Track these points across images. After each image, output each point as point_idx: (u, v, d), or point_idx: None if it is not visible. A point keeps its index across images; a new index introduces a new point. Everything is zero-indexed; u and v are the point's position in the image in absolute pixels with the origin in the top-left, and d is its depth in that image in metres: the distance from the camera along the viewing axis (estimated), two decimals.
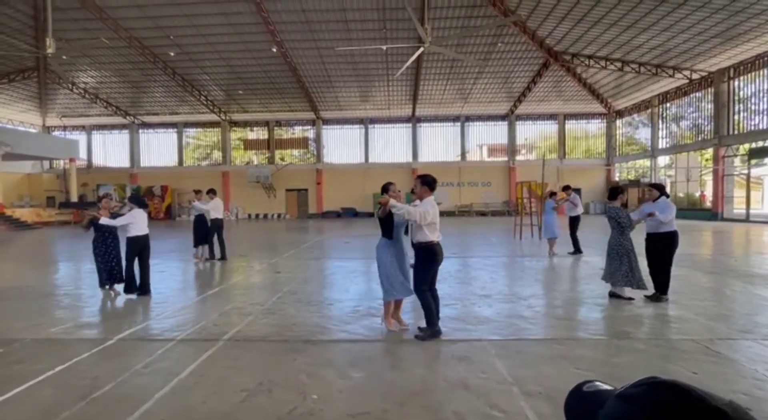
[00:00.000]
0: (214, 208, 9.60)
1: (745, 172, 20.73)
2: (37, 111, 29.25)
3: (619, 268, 5.46)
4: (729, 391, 2.95)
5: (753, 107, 19.58)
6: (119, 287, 6.34)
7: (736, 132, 20.10)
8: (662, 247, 5.52)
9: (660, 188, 5.77)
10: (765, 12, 15.36)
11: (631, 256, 5.42)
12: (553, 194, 10.44)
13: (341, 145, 31.19)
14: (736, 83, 20.14)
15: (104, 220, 6.13)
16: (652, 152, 25.66)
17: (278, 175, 29.71)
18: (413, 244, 4.25)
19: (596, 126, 30.41)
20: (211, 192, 9.93)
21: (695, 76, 21.31)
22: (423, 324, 4.35)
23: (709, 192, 22.30)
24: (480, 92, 26.96)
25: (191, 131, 32.27)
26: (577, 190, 10.34)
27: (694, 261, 8.53)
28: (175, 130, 31.54)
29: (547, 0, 17.90)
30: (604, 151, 29.96)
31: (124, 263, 6.30)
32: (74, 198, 27.00)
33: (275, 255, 10.61)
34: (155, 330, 4.68)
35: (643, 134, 27.63)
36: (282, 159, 31.58)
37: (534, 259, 9.29)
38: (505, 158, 30.24)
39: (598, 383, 0.57)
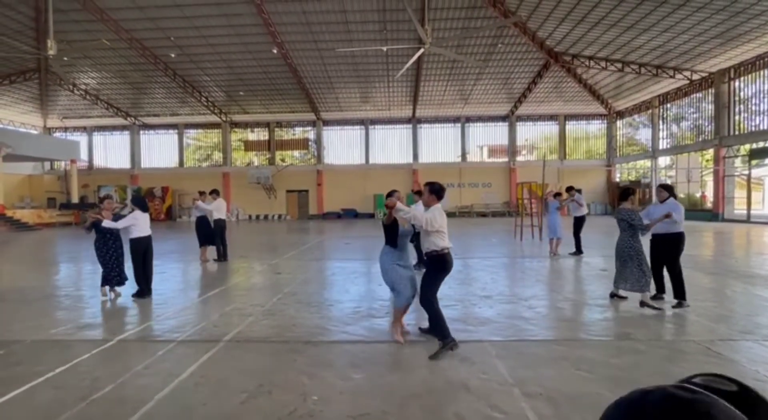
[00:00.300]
0: (217, 209, 9.64)
1: (746, 172, 20.72)
2: (38, 112, 29.30)
3: (631, 271, 5.31)
4: None
5: (754, 108, 19.56)
6: (120, 289, 6.33)
7: (736, 132, 20.08)
8: (669, 248, 5.48)
9: (669, 189, 5.73)
10: (765, 13, 15.36)
11: (641, 257, 5.33)
12: (557, 195, 10.44)
13: (342, 146, 31.18)
14: (737, 84, 20.12)
15: (107, 223, 6.11)
16: (653, 153, 25.63)
17: (279, 176, 29.72)
18: (424, 254, 4.17)
19: (597, 127, 30.40)
20: (215, 192, 9.97)
21: (696, 76, 21.30)
22: (424, 324, 4.33)
23: (709, 193, 22.28)
24: (480, 93, 26.94)
25: (192, 132, 32.29)
26: (578, 191, 10.34)
27: (695, 262, 8.51)
28: (176, 131, 31.57)
29: (548, 1, 17.91)
30: (605, 152, 29.94)
31: (128, 265, 6.27)
32: (75, 199, 27.01)
33: (276, 256, 10.61)
34: (156, 331, 4.69)
35: (644, 135, 27.62)
36: (282, 160, 31.59)
37: (535, 260, 9.29)
38: (506, 159, 30.22)
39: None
